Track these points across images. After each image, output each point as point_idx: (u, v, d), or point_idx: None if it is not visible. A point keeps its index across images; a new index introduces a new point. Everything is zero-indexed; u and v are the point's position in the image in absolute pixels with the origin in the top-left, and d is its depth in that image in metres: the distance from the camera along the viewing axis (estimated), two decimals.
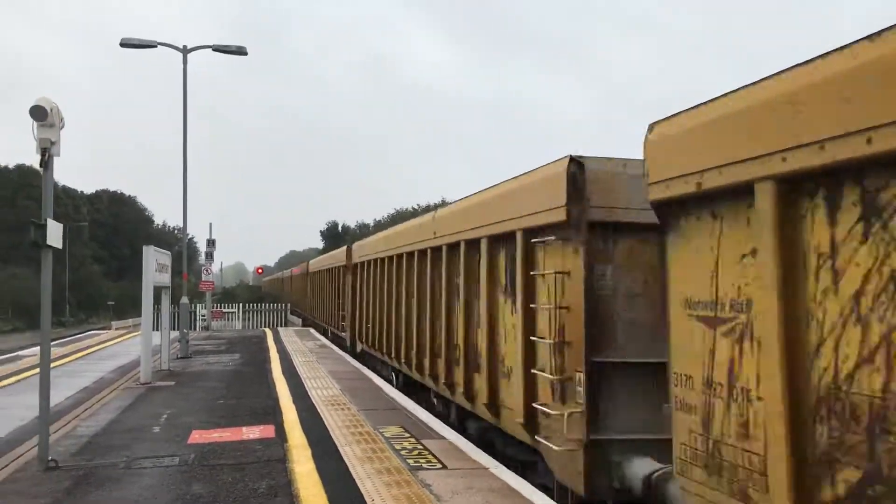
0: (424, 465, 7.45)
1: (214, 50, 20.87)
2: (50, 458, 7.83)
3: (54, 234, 7.85)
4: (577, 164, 6.28)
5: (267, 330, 31.98)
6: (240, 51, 21.00)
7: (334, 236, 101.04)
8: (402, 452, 8.02)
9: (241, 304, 41.79)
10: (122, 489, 6.96)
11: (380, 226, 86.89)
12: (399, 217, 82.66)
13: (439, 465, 7.45)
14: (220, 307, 40.06)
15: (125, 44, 20.20)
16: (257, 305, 42.68)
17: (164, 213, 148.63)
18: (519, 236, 7.42)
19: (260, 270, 77.78)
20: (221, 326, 36.94)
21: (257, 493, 6.67)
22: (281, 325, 38.62)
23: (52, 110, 7.73)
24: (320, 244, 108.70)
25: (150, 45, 20.34)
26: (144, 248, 14.60)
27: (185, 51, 20.62)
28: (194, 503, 6.45)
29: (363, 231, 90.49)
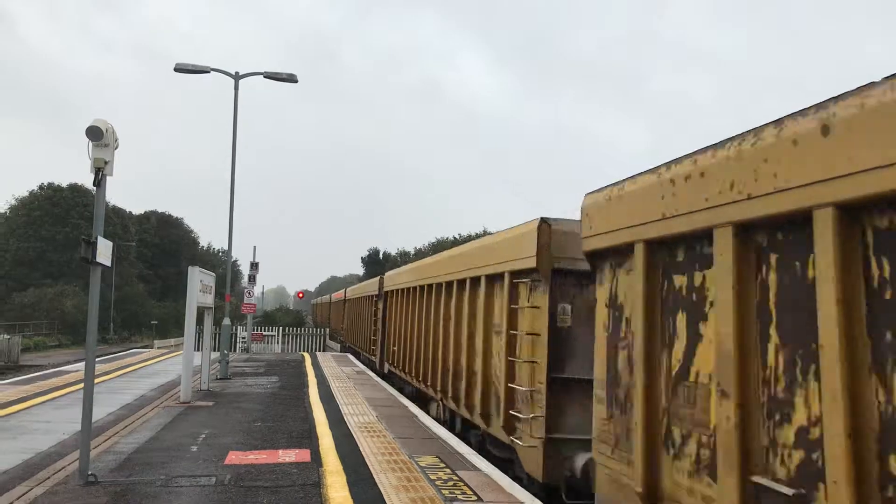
0: (459, 497, 7.37)
1: (266, 77, 21.31)
2: (90, 472, 7.94)
3: (104, 251, 8.02)
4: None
5: (305, 354, 32.15)
6: (290, 78, 21.40)
7: (375, 263, 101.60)
8: (437, 483, 7.95)
9: (280, 328, 42.11)
10: None
11: (420, 254, 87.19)
12: (440, 246, 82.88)
13: (474, 498, 7.37)
14: (261, 330, 40.42)
15: (179, 69, 20.71)
16: (297, 329, 43.00)
17: (209, 234, 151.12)
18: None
19: (301, 294, 78.48)
20: (261, 349, 37.25)
21: None
22: (319, 350, 38.81)
23: (107, 131, 7.94)
24: (361, 271, 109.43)
25: (204, 70, 20.84)
26: (189, 268, 14.83)
27: (237, 77, 21.08)
28: None
29: (404, 259, 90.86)
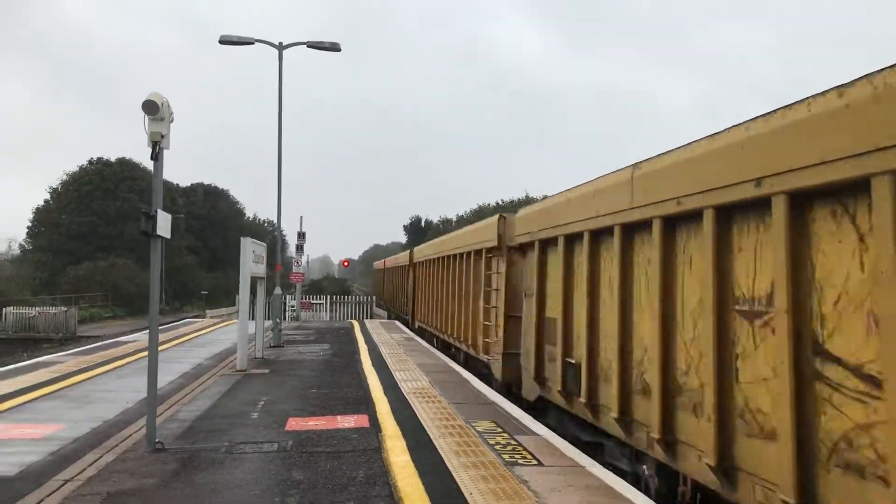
0: (520, 461, 7.41)
1: (309, 46, 21.28)
2: (157, 440, 8.15)
3: (163, 224, 8.15)
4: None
5: (354, 322, 32.50)
6: (333, 47, 21.33)
7: (417, 231, 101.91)
8: (496, 447, 7.99)
9: (328, 296, 42.62)
10: (225, 473, 7.16)
11: (463, 221, 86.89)
12: (481, 213, 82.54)
13: (535, 462, 7.40)
14: (308, 299, 40.92)
15: (224, 41, 20.77)
16: (344, 297, 43.50)
17: (254, 205, 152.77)
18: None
19: (346, 263, 79.18)
20: (309, 317, 37.73)
21: (355, 482, 6.76)
22: (366, 318, 39.18)
23: (162, 105, 8.01)
24: (403, 238, 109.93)
25: (248, 41, 20.87)
26: (242, 239, 15.00)
27: (281, 47, 21.08)
28: (294, 488, 6.59)
29: (445, 226, 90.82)
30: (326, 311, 40.38)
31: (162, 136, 8.06)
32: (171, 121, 8.23)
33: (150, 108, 7.92)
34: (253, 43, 20.93)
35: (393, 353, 18.22)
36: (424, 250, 26.33)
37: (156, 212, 8.01)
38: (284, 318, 32.12)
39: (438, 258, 21.70)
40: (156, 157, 8.13)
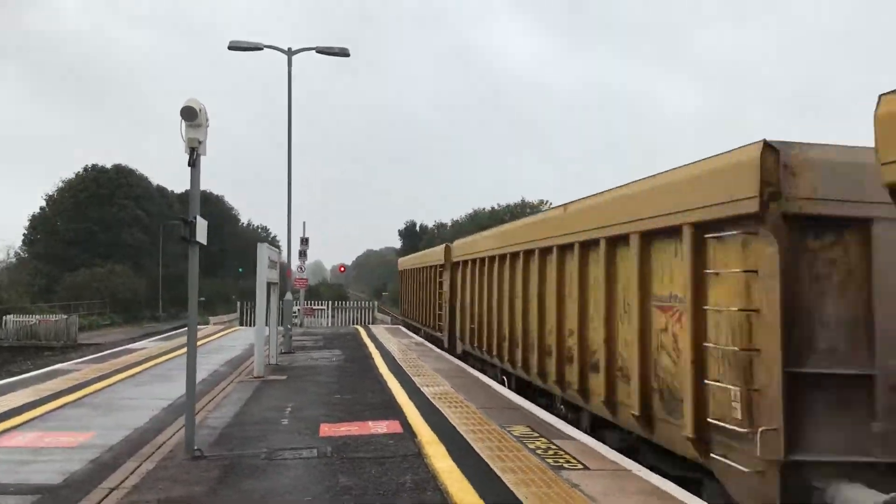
0: (565, 466, 7.40)
1: (318, 52, 21.26)
2: (195, 447, 8.10)
3: (202, 230, 8.13)
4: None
5: (359, 327, 32.45)
6: (343, 52, 21.31)
7: (412, 236, 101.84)
8: (538, 452, 7.98)
9: (329, 302, 42.59)
10: (271, 479, 7.13)
11: (457, 226, 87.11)
12: (476, 217, 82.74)
13: (580, 466, 7.39)
14: (310, 304, 40.87)
15: (233, 47, 20.72)
16: (345, 303, 43.54)
17: (247, 211, 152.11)
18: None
19: (342, 269, 79.26)
20: (310, 323, 37.69)
21: (405, 488, 6.73)
22: (369, 323, 39.13)
23: (200, 111, 7.98)
24: (398, 244, 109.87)
25: (257, 47, 20.83)
26: (258, 244, 14.99)
27: (290, 53, 21.05)
28: (346, 494, 6.56)
29: (441, 232, 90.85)
30: (328, 316, 40.33)
31: (199, 143, 8.04)
32: (208, 126, 8.21)
33: (189, 114, 7.90)
34: (262, 48, 20.88)
35: (406, 358, 18.19)
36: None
37: (194, 218, 8.00)
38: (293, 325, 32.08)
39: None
40: (193, 163, 8.10)
